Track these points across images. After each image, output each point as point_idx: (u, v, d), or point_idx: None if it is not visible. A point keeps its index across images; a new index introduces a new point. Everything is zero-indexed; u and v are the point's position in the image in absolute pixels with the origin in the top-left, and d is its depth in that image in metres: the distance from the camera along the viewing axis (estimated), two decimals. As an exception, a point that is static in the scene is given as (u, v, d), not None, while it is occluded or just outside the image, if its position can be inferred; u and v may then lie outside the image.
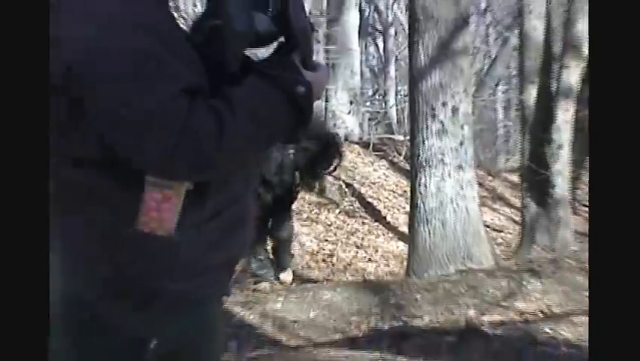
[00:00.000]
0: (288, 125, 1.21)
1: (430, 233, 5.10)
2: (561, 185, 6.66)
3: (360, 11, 14.92)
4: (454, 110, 5.09)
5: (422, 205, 5.14)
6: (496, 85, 20.49)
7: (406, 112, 11.93)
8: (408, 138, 7.69)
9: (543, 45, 6.89)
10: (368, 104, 18.12)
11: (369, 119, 16.51)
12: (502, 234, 8.88)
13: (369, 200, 9.31)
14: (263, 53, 1.29)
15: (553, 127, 6.61)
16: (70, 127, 1.16)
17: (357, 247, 7.92)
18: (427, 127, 5.12)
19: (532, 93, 6.89)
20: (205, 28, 1.24)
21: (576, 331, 3.80)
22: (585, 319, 3.55)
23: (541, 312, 4.21)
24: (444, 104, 5.09)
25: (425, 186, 5.13)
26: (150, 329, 1.25)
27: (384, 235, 8.44)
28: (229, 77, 1.18)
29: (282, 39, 1.24)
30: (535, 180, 6.71)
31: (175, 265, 1.21)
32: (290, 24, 1.21)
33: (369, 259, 7.62)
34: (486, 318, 4.06)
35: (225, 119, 1.12)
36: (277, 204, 5.07)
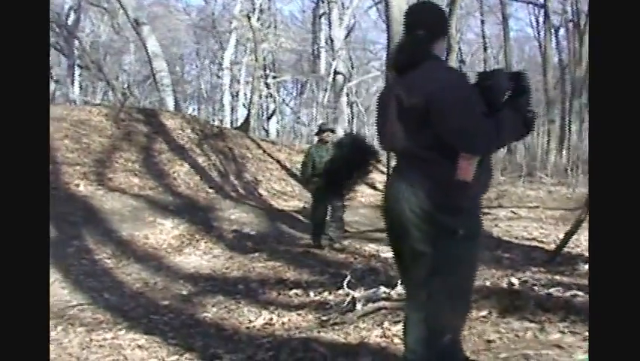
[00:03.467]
0: (522, 132, 2.56)
1: None
2: None
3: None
4: None
5: None
6: None
7: None
8: None
9: None
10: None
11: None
12: None
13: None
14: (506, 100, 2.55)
15: None
16: (420, 130, 2.45)
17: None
18: None
19: None
20: (484, 85, 2.48)
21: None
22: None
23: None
24: None
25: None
26: (459, 224, 2.45)
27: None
28: (496, 109, 2.44)
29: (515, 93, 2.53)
30: None
31: (468, 194, 2.48)
32: (523, 84, 2.53)
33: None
34: None
35: (499, 128, 2.41)
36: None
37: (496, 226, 9.13)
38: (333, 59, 21.79)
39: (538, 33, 27.55)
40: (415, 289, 2.60)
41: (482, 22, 28.51)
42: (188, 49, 35.01)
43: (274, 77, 27.54)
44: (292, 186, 14.03)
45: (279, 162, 15.48)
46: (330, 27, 22.49)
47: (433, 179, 2.45)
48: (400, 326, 3.74)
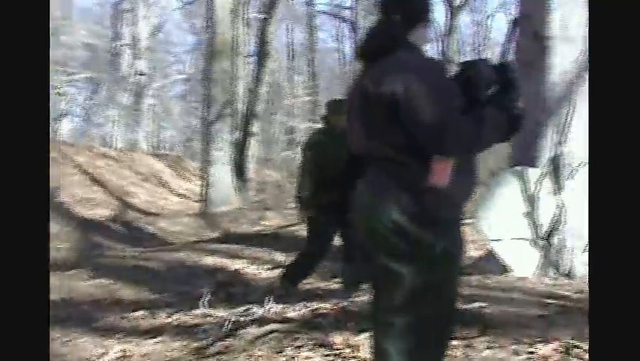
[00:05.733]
0: (507, 131, 2.18)
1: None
2: None
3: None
4: None
5: None
6: None
7: None
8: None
9: None
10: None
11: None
12: None
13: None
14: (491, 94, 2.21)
15: None
16: (388, 127, 2.12)
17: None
18: None
19: None
20: (464, 77, 2.19)
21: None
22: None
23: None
24: None
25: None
26: (436, 238, 2.12)
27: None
28: (477, 104, 2.13)
29: (500, 87, 2.20)
30: None
31: (445, 202, 2.11)
32: (508, 76, 2.20)
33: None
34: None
35: (479, 126, 2.06)
36: None
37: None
38: (136, 59, 20.55)
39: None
40: (389, 316, 2.21)
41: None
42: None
43: (69, 74, 25.33)
44: (94, 192, 12.79)
45: (80, 166, 14.07)
46: (134, 24, 21.18)
47: (404, 185, 2.11)
48: (308, 353, 3.33)
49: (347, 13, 28.15)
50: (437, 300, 2.16)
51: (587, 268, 4.84)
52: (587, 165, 5.12)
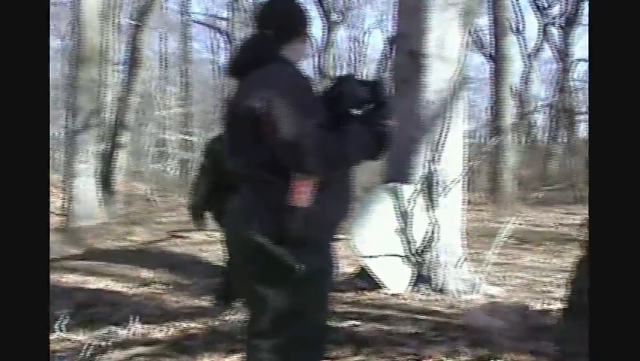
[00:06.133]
0: (373, 148, 2.12)
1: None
2: None
3: None
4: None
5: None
6: None
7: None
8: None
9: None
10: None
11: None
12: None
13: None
14: (359, 111, 2.16)
15: None
16: (253, 143, 2.05)
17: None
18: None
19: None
20: (335, 92, 2.15)
21: None
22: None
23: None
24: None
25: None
26: (300, 259, 2.03)
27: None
28: (344, 121, 2.08)
29: (372, 105, 2.15)
30: None
31: (313, 222, 2.03)
32: (380, 94, 2.15)
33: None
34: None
35: (341, 143, 2.01)
36: None
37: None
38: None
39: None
40: (253, 338, 2.17)
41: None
42: None
43: None
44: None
45: None
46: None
47: (268, 204, 2.05)
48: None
49: (223, 24, 27.88)
50: (305, 321, 2.10)
51: (460, 283, 4.99)
52: (460, 183, 5.26)
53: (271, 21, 2.21)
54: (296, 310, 2.07)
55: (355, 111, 2.13)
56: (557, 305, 4.62)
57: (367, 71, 26.70)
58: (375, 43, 55.41)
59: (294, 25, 2.23)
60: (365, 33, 32.84)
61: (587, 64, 24.81)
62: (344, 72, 23.13)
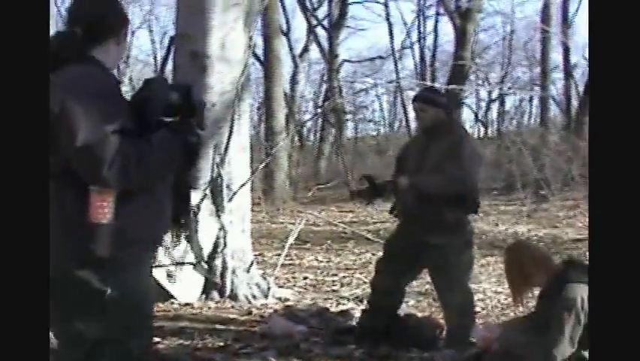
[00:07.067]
0: (181, 159, 1.99)
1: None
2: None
3: None
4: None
5: None
6: None
7: None
8: None
9: None
10: None
11: None
12: None
13: None
14: (171, 118, 1.99)
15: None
16: (52, 151, 1.81)
17: None
18: None
19: None
20: (139, 96, 1.98)
21: None
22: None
23: None
24: None
25: None
26: (106, 282, 1.86)
27: None
28: (151, 128, 1.91)
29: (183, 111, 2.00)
30: None
31: (116, 240, 1.83)
32: (191, 99, 2.02)
33: None
34: None
35: (144, 152, 1.84)
36: None
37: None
38: None
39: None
40: None
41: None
42: None
43: None
44: None
45: None
46: None
47: (67, 222, 1.85)
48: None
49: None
50: (124, 347, 1.93)
51: (251, 288, 4.92)
52: (247, 186, 5.17)
53: (78, 20, 2.02)
54: (113, 337, 1.89)
55: (166, 118, 1.96)
56: (350, 305, 4.80)
57: (132, 74, 25.60)
58: (141, 45, 53.70)
59: (104, 26, 2.04)
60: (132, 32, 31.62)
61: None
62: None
